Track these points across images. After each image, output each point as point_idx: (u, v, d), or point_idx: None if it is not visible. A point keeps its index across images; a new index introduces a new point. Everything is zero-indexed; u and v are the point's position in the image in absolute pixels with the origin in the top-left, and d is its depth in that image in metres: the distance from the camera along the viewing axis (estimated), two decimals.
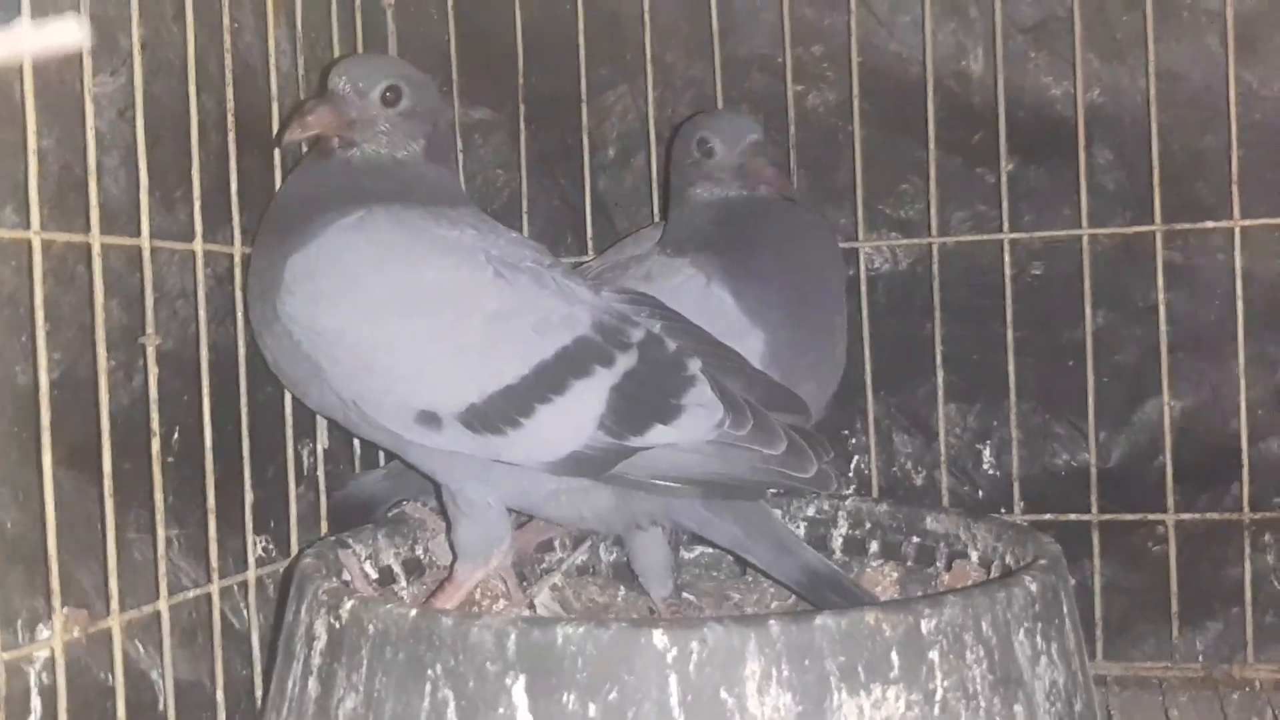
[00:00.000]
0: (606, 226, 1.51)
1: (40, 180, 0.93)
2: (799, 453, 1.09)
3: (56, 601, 0.94)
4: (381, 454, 1.39)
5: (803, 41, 1.45)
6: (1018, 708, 0.91)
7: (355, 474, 1.39)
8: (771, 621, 0.86)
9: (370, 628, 0.93)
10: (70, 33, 0.29)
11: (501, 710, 0.86)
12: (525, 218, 1.49)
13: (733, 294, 1.22)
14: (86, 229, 1.00)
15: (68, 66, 1.00)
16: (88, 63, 0.98)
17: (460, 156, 1.48)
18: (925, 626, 0.88)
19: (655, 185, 1.47)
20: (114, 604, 1.01)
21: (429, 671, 0.88)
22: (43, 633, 0.96)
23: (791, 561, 1.15)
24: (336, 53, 1.38)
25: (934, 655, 0.88)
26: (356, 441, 1.39)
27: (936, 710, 0.87)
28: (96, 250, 1.00)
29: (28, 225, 0.93)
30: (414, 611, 0.91)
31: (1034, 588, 0.97)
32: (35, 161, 0.93)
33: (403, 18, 1.50)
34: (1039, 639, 0.95)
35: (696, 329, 1.15)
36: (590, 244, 1.48)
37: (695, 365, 1.09)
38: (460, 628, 0.88)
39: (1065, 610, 1.01)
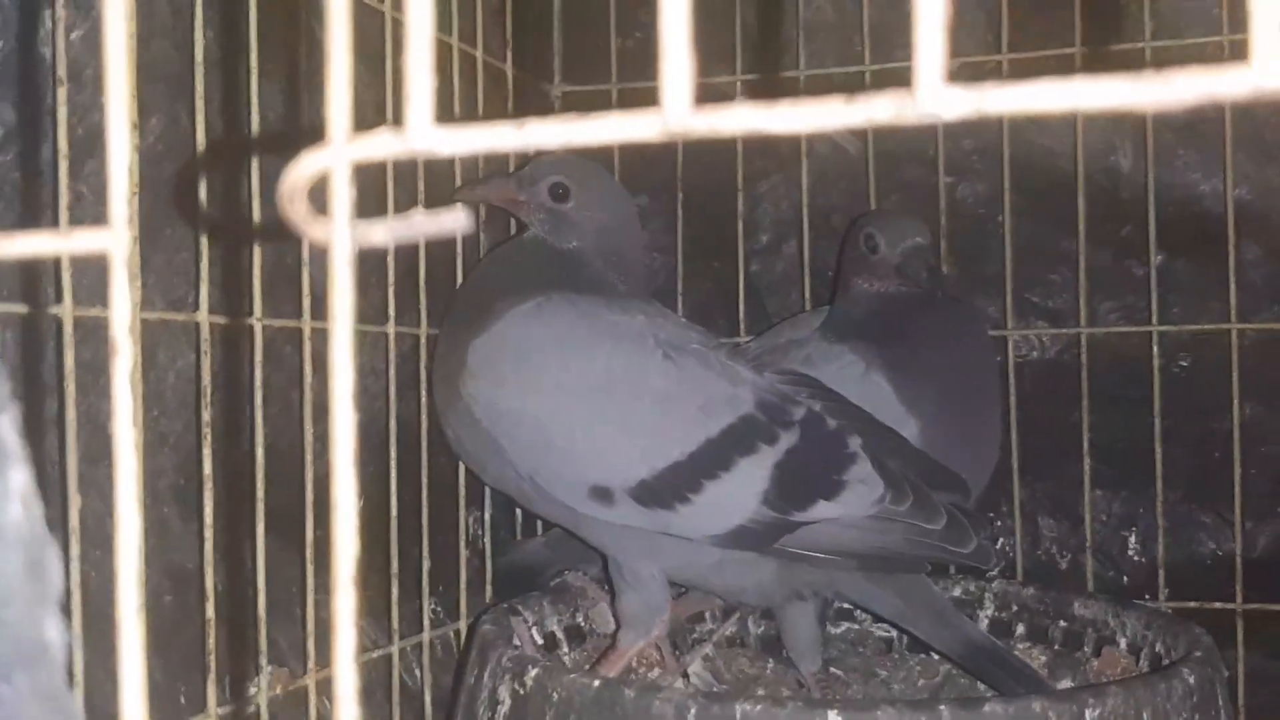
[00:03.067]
0: (758, 309, 1.56)
1: (261, 272, 1.02)
2: (958, 528, 1.13)
3: (264, 660, 1.02)
4: (540, 523, 1.45)
5: (953, 136, 1.50)
6: None
7: (517, 541, 1.45)
8: (943, 708, 0.90)
9: (554, 695, 0.98)
10: (459, 221, 0.36)
11: None
12: (680, 299, 1.55)
13: (890, 382, 1.27)
14: (298, 315, 1.08)
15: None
16: None
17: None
18: (1089, 715, 0.92)
19: (806, 270, 1.52)
20: (310, 663, 1.08)
21: None
22: (249, 689, 1.03)
23: (951, 634, 1.19)
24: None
25: None
26: (519, 510, 1.45)
27: None
28: (306, 334, 1.08)
29: (250, 313, 1.02)
30: (597, 682, 0.97)
31: (1192, 680, 1.00)
32: (259, 255, 1.02)
33: (568, 109, 1.58)
34: None
35: (856, 409, 1.19)
36: (742, 325, 1.53)
37: (856, 443, 1.14)
38: (642, 700, 0.94)
39: (1220, 702, 1.03)
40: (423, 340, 1.27)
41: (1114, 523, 1.47)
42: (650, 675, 1.30)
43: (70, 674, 0.35)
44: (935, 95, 0.32)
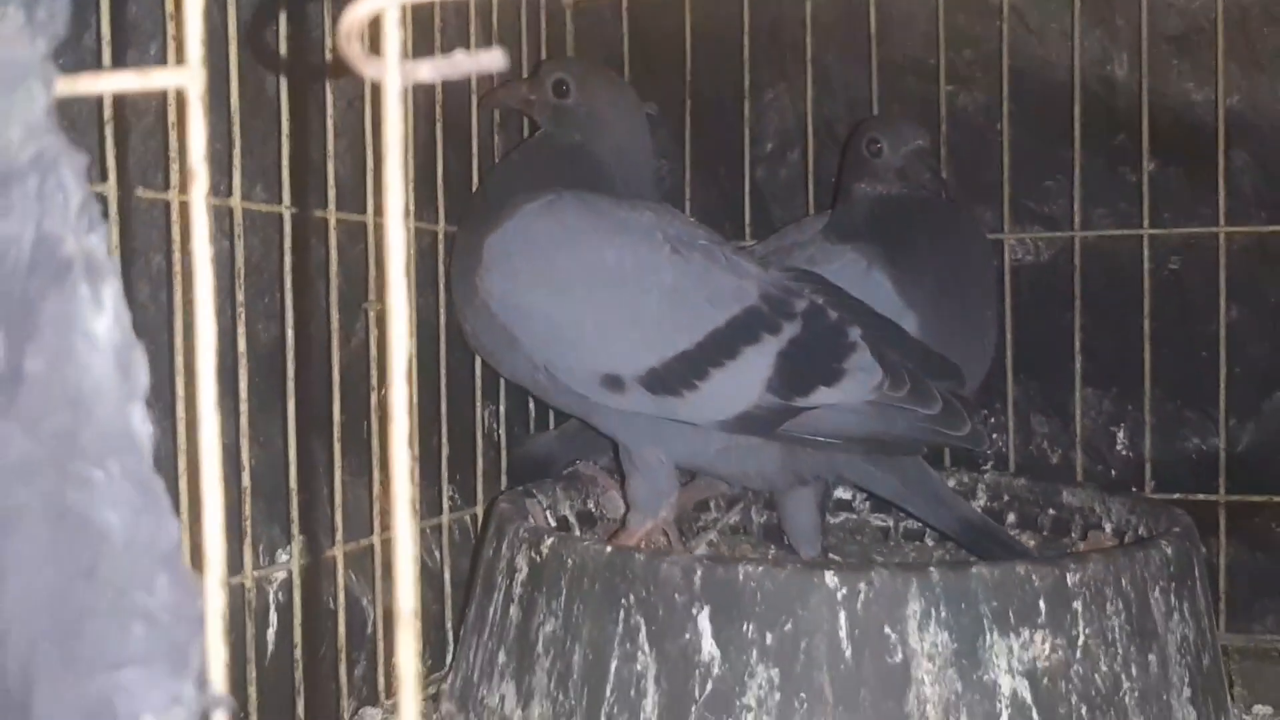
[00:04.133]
0: (762, 215, 1.60)
1: (290, 163, 1.07)
2: (953, 412, 1.18)
3: (295, 529, 1.08)
4: (552, 417, 1.51)
5: (955, 46, 1.53)
6: (1151, 657, 1.00)
7: (531, 435, 1.51)
8: (932, 569, 0.97)
9: (569, 561, 1.05)
10: (497, 60, 0.41)
11: (688, 636, 0.97)
12: (688, 205, 1.59)
13: (891, 279, 1.31)
14: (324, 205, 1.13)
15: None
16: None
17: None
18: (1070, 579, 0.98)
19: (811, 178, 1.56)
20: (338, 536, 1.15)
21: (622, 600, 1.00)
22: (281, 557, 1.10)
23: (949, 512, 1.26)
24: (525, 51, 1.50)
25: (1078, 605, 0.98)
26: (532, 404, 1.51)
27: (1079, 654, 0.97)
28: (332, 224, 1.13)
29: (279, 201, 1.07)
30: (609, 548, 1.03)
31: (1169, 551, 1.06)
32: (287, 146, 1.07)
33: (580, 19, 1.61)
34: (1172, 597, 1.04)
35: (857, 302, 1.24)
36: (748, 231, 1.57)
37: (856, 333, 1.19)
38: (651, 563, 1.00)
39: (1196, 574, 1.09)
40: (440, 237, 1.32)
41: (1103, 420, 1.51)
42: None
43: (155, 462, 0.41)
44: None
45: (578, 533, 1.36)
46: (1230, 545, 1.43)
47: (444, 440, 1.32)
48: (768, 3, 1.58)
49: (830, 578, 0.96)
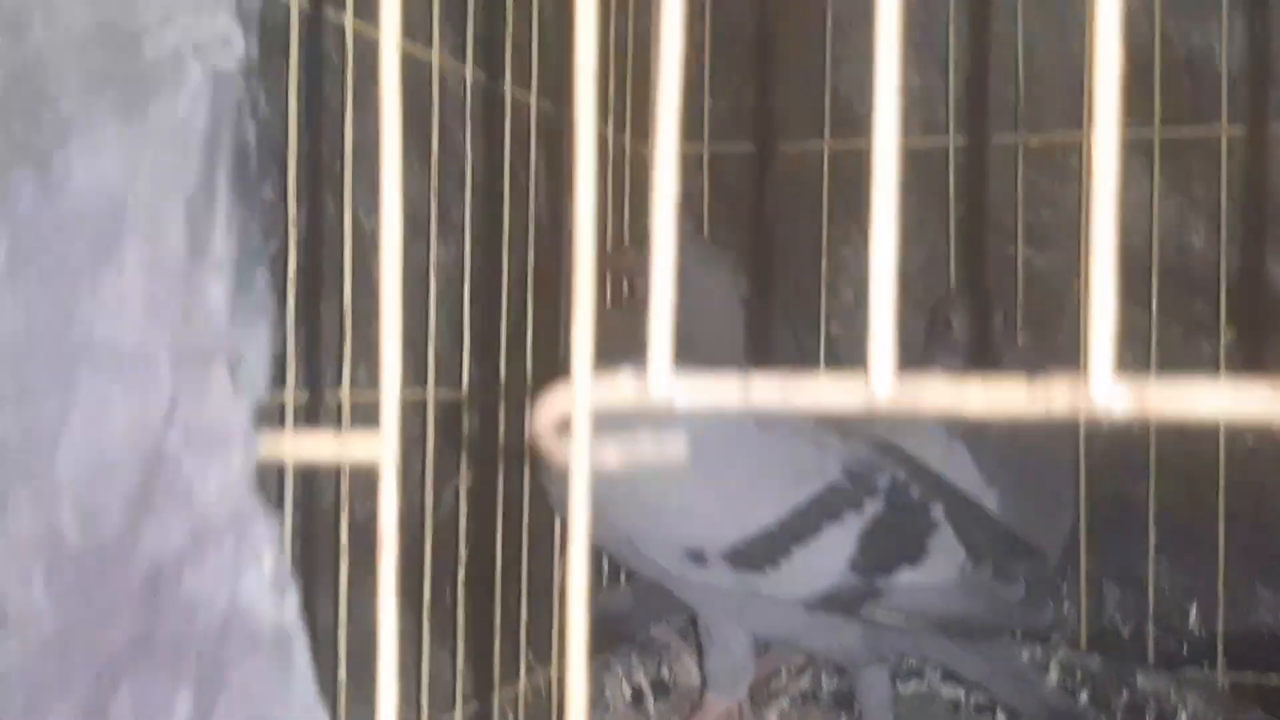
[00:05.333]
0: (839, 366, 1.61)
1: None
2: (1036, 597, 1.18)
3: None
4: (622, 574, 1.52)
5: (1033, 207, 1.55)
6: None
7: (604, 590, 1.52)
8: None
9: None
10: (680, 448, 0.42)
11: None
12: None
13: (971, 452, 1.32)
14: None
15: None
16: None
17: None
18: None
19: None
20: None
21: None
22: None
23: (1032, 696, 1.25)
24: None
25: None
26: (606, 563, 1.51)
27: None
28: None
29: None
30: None
31: None
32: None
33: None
34: None
35: (939, 478, 1.24)
36: None
37: (939, 511, 1.19)
38: None
39: None
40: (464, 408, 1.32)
41: (1177, 594, 1.50)
42: None
43: None
44: (1106, 390, 0.37)
45: (652, 701, 1.36)
46: None
47: (524, 604, 1.32)
48: (847, 158, 1.59)
49: None
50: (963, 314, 1.38)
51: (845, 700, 1.43)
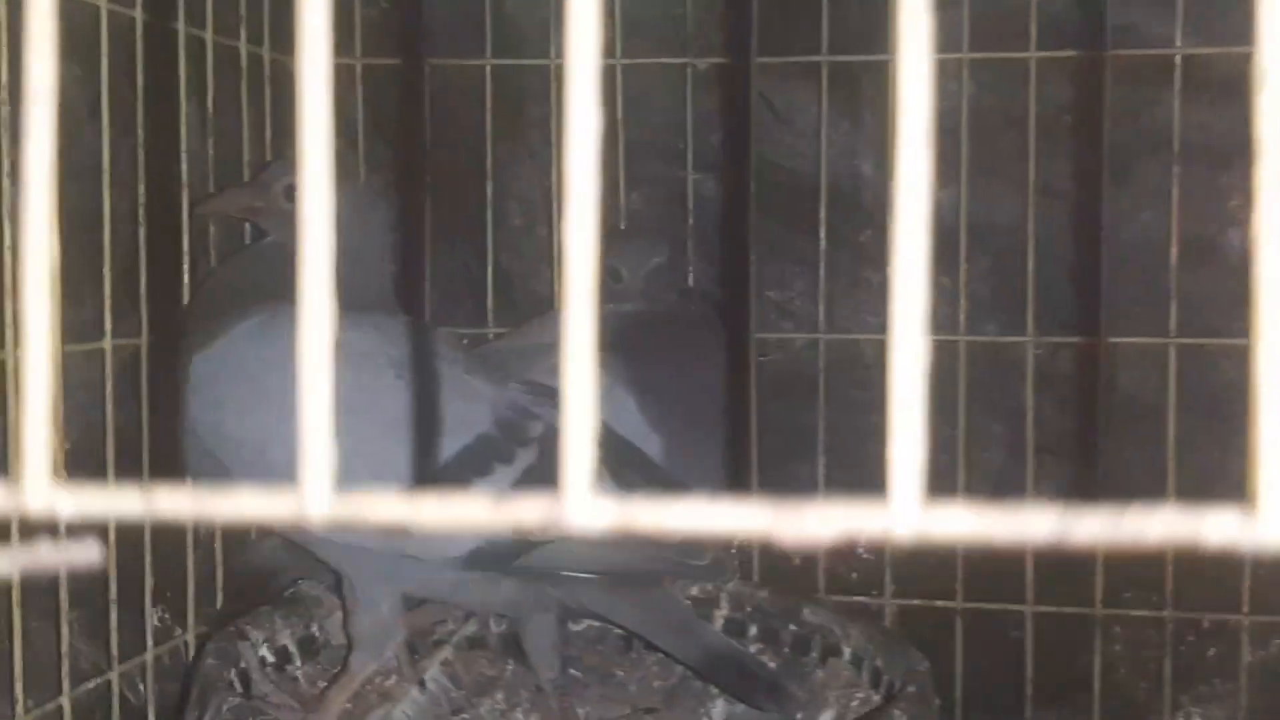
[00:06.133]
0: (506, 299, 1.55)
1: None
2: (694, 541, 1.13)
3: None
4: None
5: (701, 134, 1.50)
6: None
7: (252, 541, 1.40)
8: None
9: None
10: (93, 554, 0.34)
11: None
12: (429, 286, 1.52)
13: (635, 399, 1.28)
14: None
15: None
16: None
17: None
18: None
19: (557, 259, 1.50)
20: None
21: None
22: None
23: (694, 643, 1.22)
24: (246, 128, 1.39)
25: None
26: None
27: None
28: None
29: None
30: None
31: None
32: None
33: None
34: None
35: (600, 423, 1.19)
36: (490, 316, 1.52)
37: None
38: None
39: None
40: (143, 352, 1.21)
41: None
42: (386, 684, 1.29)
43: None
44: (585, 507, 0.31)
45: (299, 663, 1.27)
46: (967, 656, 1.45)
47: (148, 563, 1.21)
48: (509, 76, 1.51)
49: None
50: (629, 261, 1.34)
51: (514, 644, 1.37)
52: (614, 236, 1.42)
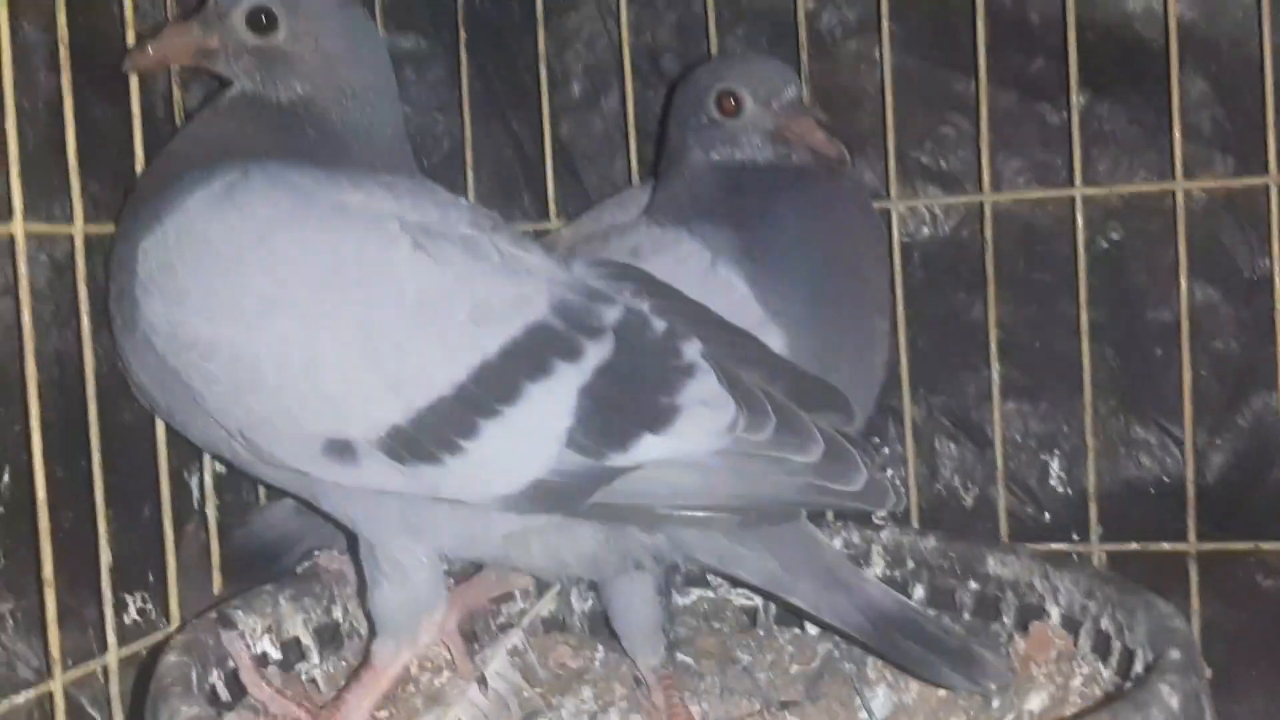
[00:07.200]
0: (574, 184, 1.32)
1: None
2: (842, 458, 0.89)
3: None
4: None
5: None
6: None
7: (260, 506, 1.15)
8: None
9: None
10: None
11: None
12: (470, 174, 1.28)
13: (747, 279, 1.03)
14: None
15: None
16: None
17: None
18: None
19: (632, 131, 1.26)
20: None
21: None
22: None
23: (848, 600, 0.94)
24: None
25: None
26: None
27: None
28: None
29: None
30: None
31: (1174, 702, 0.75)
32: None
33: None
34: None
35: (695, 305, 0.95)
36: (553, 207, 1.26)
37: (694, 350, 0.90)
38: None
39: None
40: (78, 242, 0.94)
41: (1031, 444, 1.26)
42: (436, 682, 1.01)
43: None
44: None
45: (315, 660, 0.99)
46: (1205, 606, 1.17)
47: (102, 540, 0.93)
48: None
49: None
50: (761, 87, 1.07)
51: (604, 623, 1.09)
52: (726, 61, 1.18)
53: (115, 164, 0.99)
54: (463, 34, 1.28)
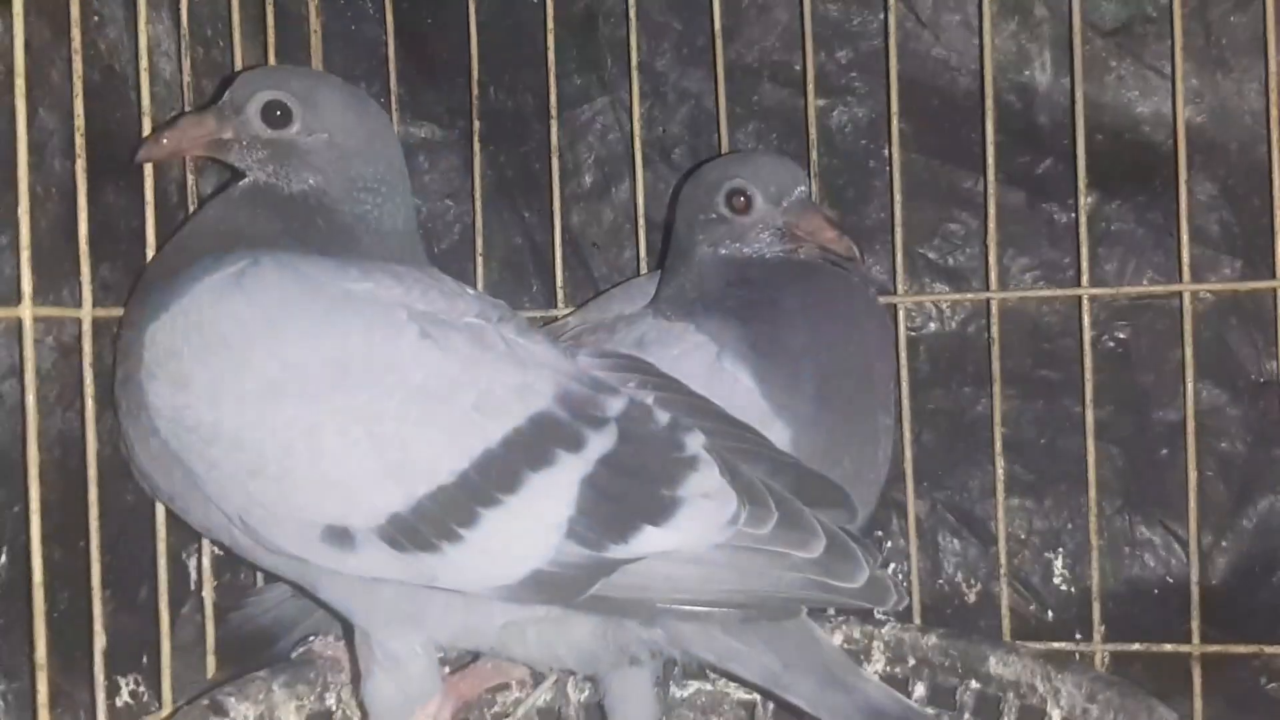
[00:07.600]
0: (582, 273, 1.32)
1: None
2: (844, 554, 0.88)
3: None
4: None
5: (826, 46, 1.27)
6: None
7: (256, 589, 1.13)
8: None
9: None
10: None
11: None
12: (480, 260, 1.28)
13: (752, 373, 1.02)
14: None
15: None
16: None
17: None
18: None
19: (641, 221, 1.25)
20: None
21: None
22: None
23: (848, 700, 0.92)
24: (239, 54, 1.11)
25: None
26: None
27: None
28: None
29: None
30: None
31: None
32: None
33: (330, 12, 1.29)
34: None
35: (699, 398, 0.94)
36: (560, 295, 1.25)
37: (697, 442, 0.89)
38: None
39: None
40: (85, 325, 0.94)
41: (1035, 542, 1.25)
42: None
43: None
44: None
45: None
46: (1209, 709, 1.14)
47: (97, 622, 0.93)
48: None
49: None
50: (770, 185, 1.07)
51: (600, 716, 1.08)
52: (736, 158, 1.16)
53: (126, 248, 1.00)
54: (476, 124, 1.27)
